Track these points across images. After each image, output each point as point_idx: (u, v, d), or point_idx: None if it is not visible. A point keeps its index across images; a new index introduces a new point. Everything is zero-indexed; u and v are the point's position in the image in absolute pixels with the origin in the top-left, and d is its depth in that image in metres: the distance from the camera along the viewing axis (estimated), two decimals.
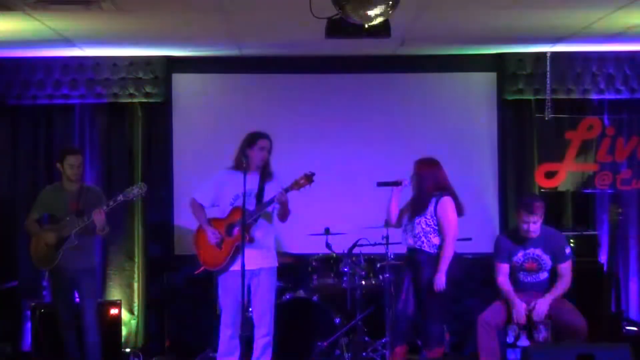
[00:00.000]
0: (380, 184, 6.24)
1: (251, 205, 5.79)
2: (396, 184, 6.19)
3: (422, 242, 6.07)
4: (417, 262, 6.09)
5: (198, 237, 6.03)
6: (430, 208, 6.08)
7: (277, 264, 6.05)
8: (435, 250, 6.06)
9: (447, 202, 6.08)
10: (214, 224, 5.95)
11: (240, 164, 5.79)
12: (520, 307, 5.94)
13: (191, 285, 7.54)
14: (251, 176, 5.83)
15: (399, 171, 6.34)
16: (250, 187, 5.80)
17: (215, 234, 5.89)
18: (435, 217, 6.06)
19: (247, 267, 5.65)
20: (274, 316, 5.96)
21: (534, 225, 5.94)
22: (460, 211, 6.14)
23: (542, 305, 5.93)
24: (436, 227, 6.07)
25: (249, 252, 5.71)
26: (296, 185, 5.66)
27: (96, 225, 6.20)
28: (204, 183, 6.15)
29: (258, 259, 5.80)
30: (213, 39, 7.07)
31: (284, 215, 5.89)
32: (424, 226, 6.07)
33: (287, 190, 5.67)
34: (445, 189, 6.13)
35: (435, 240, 6.07)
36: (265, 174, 5.88)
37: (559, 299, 6.01)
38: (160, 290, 7.78)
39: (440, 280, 5.97)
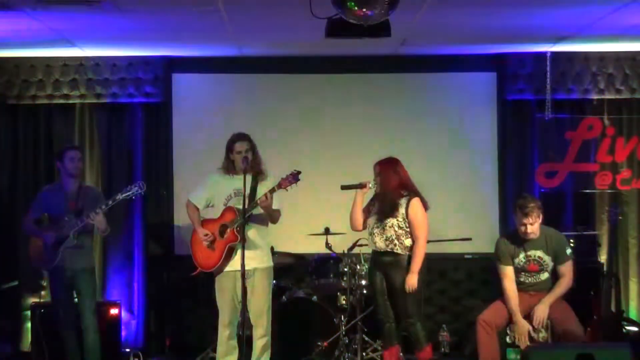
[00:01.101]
0: (344, 187, 6.22)
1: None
2: (360, 186, 6.18)
3: (395, 244, 6.08)
4: (388, 264, 6.10)
5: (193, 239, 6.03)
6: (401, 210, 6.09)
7: (272, 264, 6.03)
8: (407, 252, 6.08)
9: (417, 203, 6.10)
10: (208, 224, 5.94)
11: (227, 167, 5.86)
12: (522, 329, 5.91)
13: (191, 285, 7.54)
14: (242, 176, 5.80)
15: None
16: (242, 187, 5.76)
17: (207, 236, 5.89)
18: (406, 219, 6.07)
19: (240, 268, 5.63)
20: (271, 316, 5.95)
21: (531, 226, 5.93)
22: (425, 208, 6.16)
23: (541, 313, 5.90)
24: (408, 229, 6.08)
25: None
26: (283, 184, 5.64)
27: (98, 227, 6.21)
28: (198, 185, 6.15)
29: (252, 259, 5.77)
30: (213, 39, 7.07)
31: (270, 217, 5.87)
32: (396, 229, 6.07)
33: (271, 191, 5.66)
34: (410, 188, 6.16)
35: (407, 242, 6.09)
36: (257, 174, 5.85)
37: (559, 301, 5.98)
38: (160, 290, 7.78)
39: (413, 281, 5.99)
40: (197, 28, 6.65)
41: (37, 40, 6.89)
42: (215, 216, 5.95)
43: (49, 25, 6.34)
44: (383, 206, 6.12)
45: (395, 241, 6.06)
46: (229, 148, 5.90)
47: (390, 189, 6.10)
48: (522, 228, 5.92)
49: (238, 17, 6.26)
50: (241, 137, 5.89)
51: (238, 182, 5.77)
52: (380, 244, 6.11)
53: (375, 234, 6.13)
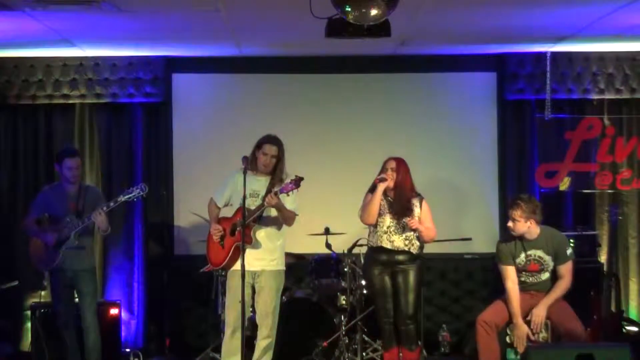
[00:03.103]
0: (381, 180, 6.17)
1: (254, 207, 5.80)
2: (385, 179, 6.18)
3: (413, 244, 6.13)
4: (401, 263, 6.12)
5: (209, 236, 6.06)
6: (416, 210, 6.13)
7: (283, 267, 6.01)
8: (417, 251, 6.17)
9: (427, 204, 6.19)
10: (223, 223, 5.97)
11: (250, 163, 5.84)
12: (521, 332, 5.90)
13: (191, 285, 7.55)
14: (262, 178, 5.85)
15: None
16: (259, 189, 5.81)
17: (219, 230, 5.91)
18: (419, 218, 6.12)
19: (248, 268, 5.66)
20: (277, 319, 5.95)
21: (512, 222, 5.94)
22: None
23: (538, 318, 5.89)
24: None
25: (251, 253, 5.72)
26: (285, 189, 5.65)
27: (99, 227, 6.21)
28: (221, 184, 6.16)
29: (260, 260, 5.79)
30: (213, 39, 7.07)
31: (283, 218, 5.88)
32: (414, 230, 6.12)
33: (276, 193, 5.67)
34: (415, 189, 6.20)
35: (417, 241, 6.15)
36: (275, 177, 5.86)
37: (559, 301, 5.97)
38: (160, 290, 7.78)
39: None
40: (197, 28, 6.65)
41: (37, 40, 6.89)
42: (229, 215, 5.98)
43: (49, 25, 6.34)
44: (401, 205, 6.11)
45: (413, 241, 6.11)
46: (258, 146, 5.89)
47: (407, 187, 6.12)
48: (508, 222, 5.98)
49: (238, 17, 6.26)
50: (273, 140, 5.88)
51: (255, 183, 5.80)
52: (399, 242, 6.12)
53: (393, 233, 6.12)
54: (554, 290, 5.96)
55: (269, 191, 5.78)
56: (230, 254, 5.84)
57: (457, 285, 7.94)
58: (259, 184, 5.81)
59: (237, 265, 5.78)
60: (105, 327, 6.81)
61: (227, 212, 6.02)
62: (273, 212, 5.83)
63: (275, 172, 5.85)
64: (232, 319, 5.86)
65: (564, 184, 7.75)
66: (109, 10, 5.81)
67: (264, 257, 5.83)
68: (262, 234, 5.85)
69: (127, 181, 7.54)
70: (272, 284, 5.89)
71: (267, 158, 5.83)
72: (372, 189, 6.17)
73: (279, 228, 5.94)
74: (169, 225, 7.83)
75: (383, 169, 6.19)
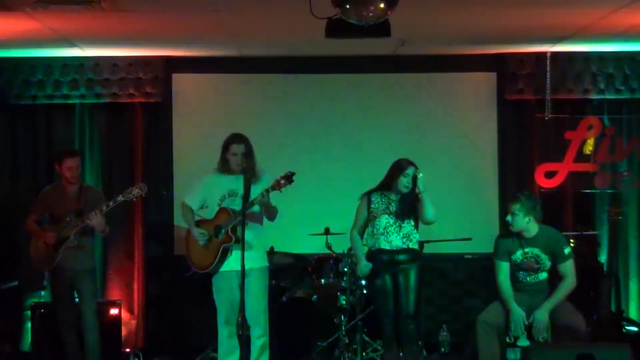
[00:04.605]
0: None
1: (237, 206, 5.77)
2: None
3: (411, 240, 6.10)
4: (401, 262, 6.10)
5: (187, 240, 6.02)
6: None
7: (267, 264, 6.03)
8: (417, 247, 6.16)
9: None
10: (202, 225, 5.94)
11: (222, 166, 5.87)
12: (517, 316, 5.91)
13: (191, 285, 7.53)
14: (237, 178, 5.80)
15: None
16: (236, 189, 5.78)
17: (203, 234, 5.89)
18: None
19: (236, 268, 5.63)
20: (269, 316, 5.95)
21: (511, 216, 5.97)
22: None
23: (540, 322, 5.88)
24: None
25: (238, 253, 5.70)
26: (277, 186, 5.64)
27: (96, 227, 6.21)
28: (192, 185, 6.15)
29: (247, 260, 5.74)
30: (213, 39, 7.07)
31: (269, 215, 5.89)
32: (413, 224, 6.11)
33: (268, 190, 5.67)
34: None
35: (415, 236, 6.13)
36: (248, 173, 5.82)
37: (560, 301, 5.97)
38: (160, 290, 7.78)
39: None
40: (197, 28, 6.66)
41: (37, 40, 6.90)
42: (209, 217, 5.94)
43: (49, 25, 6.34)
44: (409, 207, 6.09)
45: (412, 237, 6.10)
46: (225, 147, 5.90)
47: (415, 190, 6.10)
48: (507, 216, 6.01)
49: (238, 17, 6.26)
50: (238, 139, 5.87)
51: (231, 183, 5.79)
52: (397, 242, 6.09)
53: (390, 233, 6.09)
54: (557, 292, 5.92)
55: (247, 190, 5.74)
56: (218, 257, 5.83)
57: (457, 285, 7.94)
58: (235, 183, 5.77)
59: (226, 267, 5.82)
60: (105, 327, 6.81)
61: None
62: (255, 210, 5.81)
63: (247, 170, 5.82)
64: (225, 319, 5.88)
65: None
66: (109, 10, 5.81)
67: (251, 256, 5.77)
68: (247, 233, 5.81)
69: (127, 181, 7.54)
70: (261, 282, 5.89)
71: (237, 157, 5.81)
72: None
73: (262, 224, 5.95)
74: (169, 225, 7.83)
75: (401, 173, 6.05)
